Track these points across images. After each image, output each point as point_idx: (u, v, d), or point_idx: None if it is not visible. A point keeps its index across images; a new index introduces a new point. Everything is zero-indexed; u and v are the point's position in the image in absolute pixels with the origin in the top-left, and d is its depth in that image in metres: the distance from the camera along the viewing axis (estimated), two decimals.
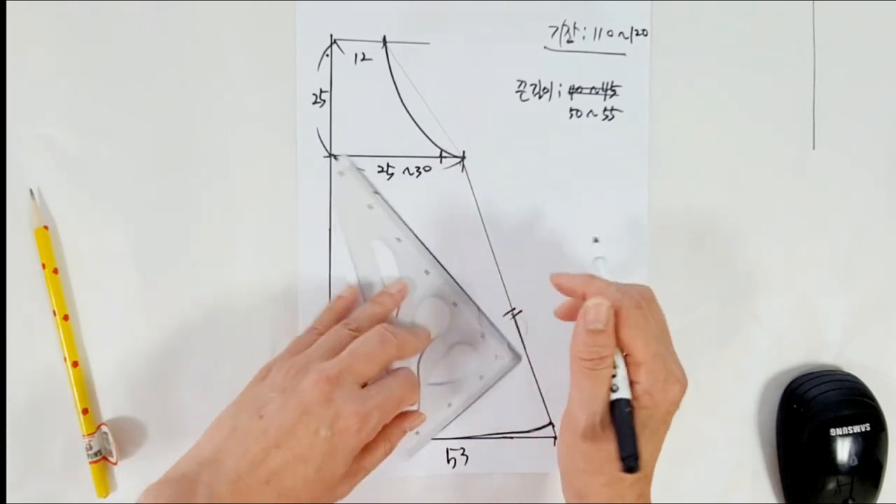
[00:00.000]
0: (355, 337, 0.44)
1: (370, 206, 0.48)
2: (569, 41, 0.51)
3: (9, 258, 0.46)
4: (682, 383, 0.41)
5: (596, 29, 0.51)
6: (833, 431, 0.51)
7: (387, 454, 0.44)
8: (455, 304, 0.50)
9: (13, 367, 0.47)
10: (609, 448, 0.39)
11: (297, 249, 0.49)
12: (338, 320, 0.47)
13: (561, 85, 0.51)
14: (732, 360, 0.54)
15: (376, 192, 0.48)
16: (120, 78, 0.47)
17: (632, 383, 0.40)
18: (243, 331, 0.49)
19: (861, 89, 0.54)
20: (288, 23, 0.48)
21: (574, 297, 0.43)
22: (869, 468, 0.52)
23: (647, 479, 0.43)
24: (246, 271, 0.48)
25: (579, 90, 0.51)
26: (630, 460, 0.38)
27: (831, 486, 0.52)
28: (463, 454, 0.51)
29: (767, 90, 0.53)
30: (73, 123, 0.47)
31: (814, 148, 0.54)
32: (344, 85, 0.49)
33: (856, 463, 0.51)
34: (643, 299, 0.41)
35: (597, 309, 0.40)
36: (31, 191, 0.46)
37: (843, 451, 0.51)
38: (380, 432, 0.42)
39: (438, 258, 0.50)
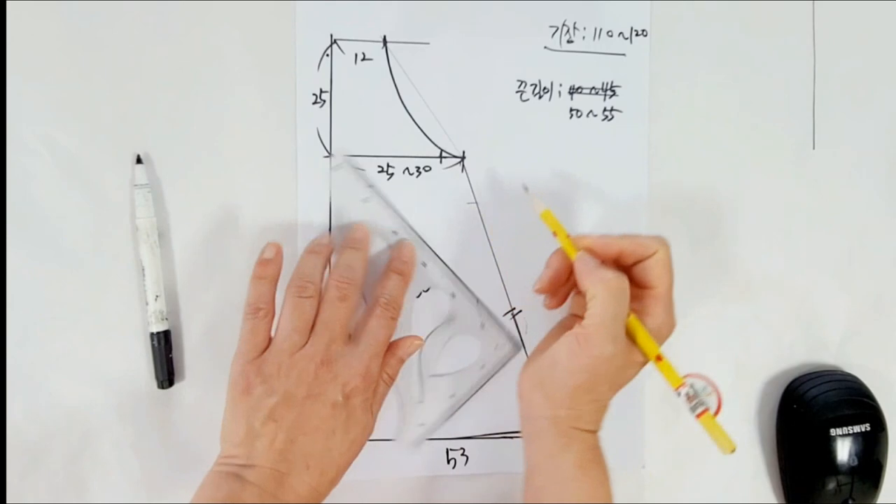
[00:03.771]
0: (315, 303, 0.45)
1: (365, 200, 0.48)
2: (569, 41, 0.51)
3: (9, 257, 0.46)
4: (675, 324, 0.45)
5: (596, 29, 0.51)
6: (833, 431, 0.51)
7: (389, 386, 0.47)
8: (454, 296, 0.50)
9: (13, 367, 0.47)
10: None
11: (297, 249, 0.48)
12: (274, 286, 0.46)
13: (561, 85, 0.51)
14: (732, 360, 0.54)
15: (371, 186, 0.48)
16: (120, 78, 0.47)
17: (644, 316, 0.43)
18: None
19: (861, 89, 0.54)
20: (288, 23, 0.48)
21: (608, 257, 0.44)
22: (869, 468, 0.52)
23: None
24: (246, 270, 0.48)
25: (579, 90, 0.51)
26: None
27: (831, 486, 0.52)
28: (463, 454, 0.51)
29: (767, 90, 0.53)
30: (72, 123, 0.47)
31: (814, 148, 0.54)
32: (344, 85, 0.49)
33: (856, 463, 0.51)
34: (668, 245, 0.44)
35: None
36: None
37: (843, 451, 0.51)
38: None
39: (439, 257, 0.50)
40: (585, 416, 0.43)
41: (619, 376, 0.43)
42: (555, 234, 0.45)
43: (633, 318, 0.43)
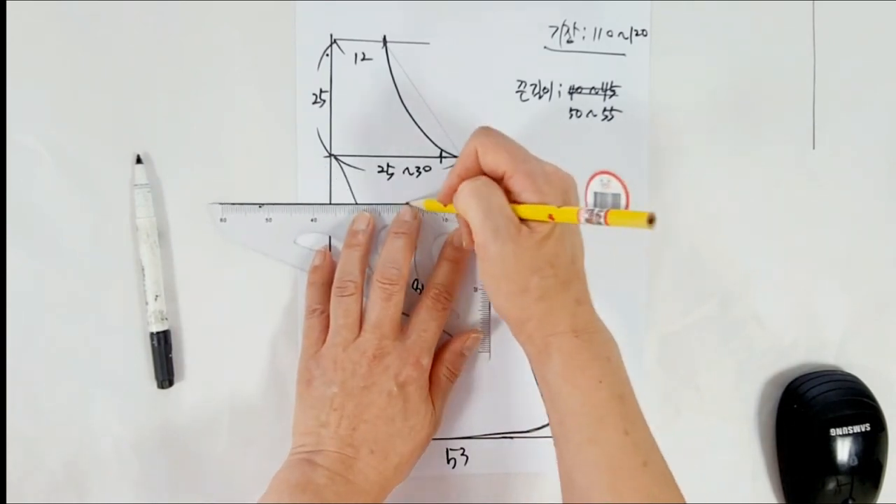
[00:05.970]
0: (358, 298, 0.46)
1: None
2: (569, 41, 0.51)
3: (9, 257, 0.46)
4: (563, 174, 0.42)
5: (596, 29, 0.51)
6: (833, 431, 0.51)
7: (452, 382, 0.48)
8: (446, 220, 0.50)
9: (13, 367, 0.47)
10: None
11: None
12: (327, 288, 0.47)
13: (561, 85, 0.51)
14: (732, 360, 0.54)
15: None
16: (120, 78, 0.47)
17: (518, 200, 0.41)
18: (245, 332, 0.49)
19: (861, 89, 0.54)
20: (288, 23, 0.48)
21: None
22: (869, 468, 0.52)
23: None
24: (246, 271, 0.48)
25: (579, 90, 0.51)
26: None
27: (831, 486, 0.52)
28: (463, 454, 0.51)
29: (767, 90, 0.53)
30: (72, 124, 0.47)
31: (814, 148, 0.54)
32: (344, 85, 0.49)
33: (856, 463, 0.51)
34: (492, 129, 0.43)
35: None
36: None
37: (843, 451, 0.51)
38: (438, 360, 0.48)
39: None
40: (546, 317, 0.41)
41: (539, 259, 0.41)
42: (439, 210, 0.46)
43: (513, 206, 0.41)
